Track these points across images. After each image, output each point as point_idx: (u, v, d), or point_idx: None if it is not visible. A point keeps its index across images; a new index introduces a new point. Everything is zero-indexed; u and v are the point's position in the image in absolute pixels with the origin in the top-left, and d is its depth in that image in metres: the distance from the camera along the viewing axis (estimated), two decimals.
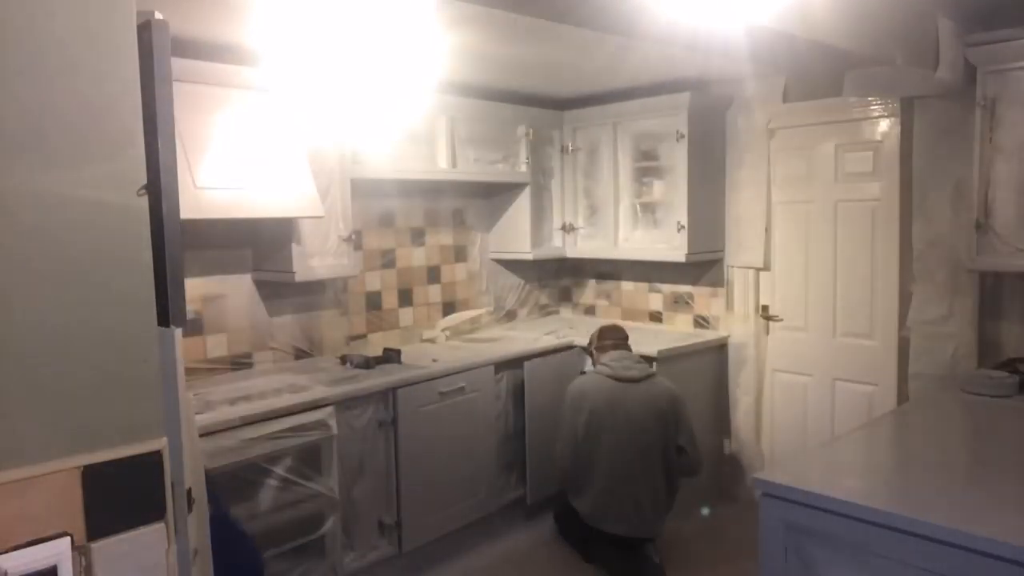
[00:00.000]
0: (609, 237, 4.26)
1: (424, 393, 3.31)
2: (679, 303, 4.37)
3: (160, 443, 1.06)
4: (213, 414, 2.67)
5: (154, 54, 1.11)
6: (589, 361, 3.71)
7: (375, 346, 3.81)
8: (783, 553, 1.85)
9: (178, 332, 1.24)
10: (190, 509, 1.26)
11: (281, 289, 3.44)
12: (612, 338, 3.55)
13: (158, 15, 1.13)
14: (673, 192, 3.95)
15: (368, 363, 3.37)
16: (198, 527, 1.48)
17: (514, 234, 4.36)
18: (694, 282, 4.27)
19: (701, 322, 4.26)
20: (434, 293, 4.21)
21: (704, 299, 4.25)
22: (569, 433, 3.35)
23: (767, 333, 4.01)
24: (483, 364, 3.62)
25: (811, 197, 3.78)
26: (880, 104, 3.48)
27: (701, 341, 4.02)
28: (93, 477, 0.99)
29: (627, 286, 4.62)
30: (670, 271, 4.31)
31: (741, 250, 4.03)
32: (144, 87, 1.05)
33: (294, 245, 3.15)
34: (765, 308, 4.00)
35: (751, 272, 4.01)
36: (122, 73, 1.02)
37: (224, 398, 2.88)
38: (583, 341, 4.03)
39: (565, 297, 4.95)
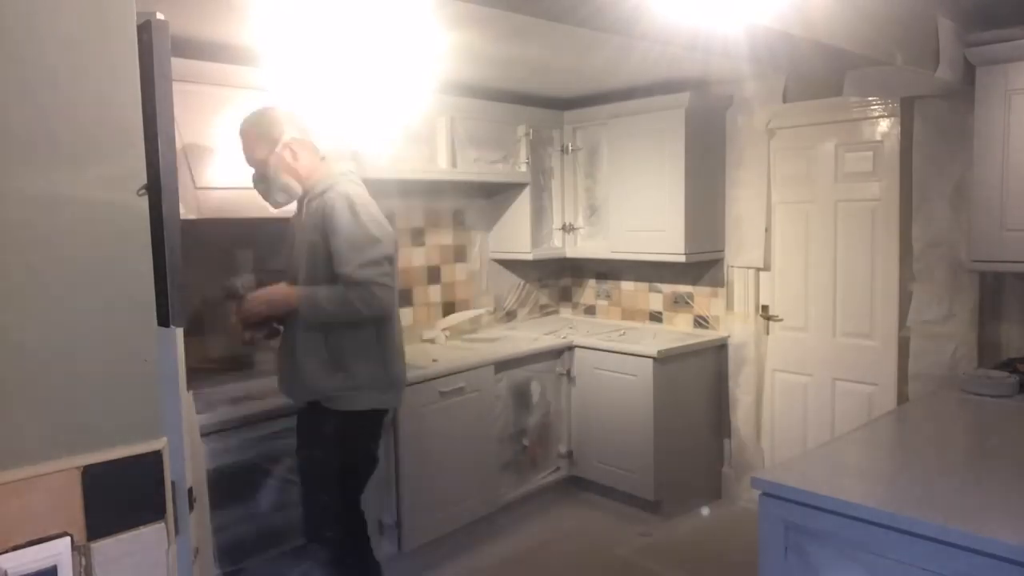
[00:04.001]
0: (610, 237, 4.26)
1: (424, 393, 3.31)
2: (679, 303, 4.36)
3: (160, 443, 1.06)
4: (213, 414, 2.67)
5: (154, 54, 1.11)
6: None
7: None
8: (783, 553, 1.85)
9: (178, 332, 1.24)
10: (191, 508, 1.26)
11: None
12: None
13: (159, 15, 1.13)
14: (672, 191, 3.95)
15: None
16: (199, 526, 1.48)
17: (514, 234, 4.36)
18: (694, 282, 4.27)
19: (701, 322, 4.26)
20: (434, 293, 4.21)
21: (704, 299, 4.24)
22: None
23: (767, 333, 4.01)
24: (483, 364, 3.62)
25: (811, 197, 3.78)
26: (880, 104, 3.48)
27: (701, 341, 4.02)
28: (93, 477, 0.99)
29: (627, 286, 4.62)
30: (670, 271, 4.31)
31: (741, 250, 4.03)
32: (144, 87, 1.05)
33: None
34: (765, 308, 4.00)
35: (751, 272, 4.01)
36: (122, 73, 1.02)
37: (224, 398, 2.88)
38: (583, 341, 4.04)
39: (565, 297, 4.95)
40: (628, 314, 4.61)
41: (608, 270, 4.67)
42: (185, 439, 1.23)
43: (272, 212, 2.96)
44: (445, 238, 4.26)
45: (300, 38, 2.74)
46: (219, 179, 2.78)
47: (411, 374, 3.29)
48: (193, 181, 2.67)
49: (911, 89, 3.29)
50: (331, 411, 2.48)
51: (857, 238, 3.64)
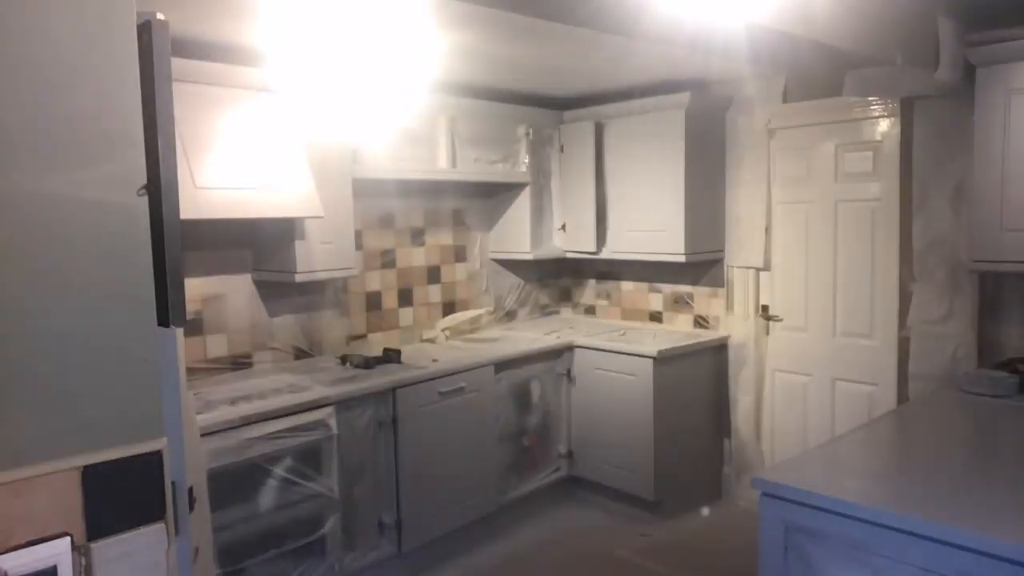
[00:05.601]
0: (609, 237, 4.26)
1: (424, 393, 3.31)
2: (679, 303, 4.36)
3: (160, 443, 1.06)
4: (213, 414, 2.67)
5: (154, 54, 1.11)
6: None
7: (375, 346, 3.81)
8: (783, 553, 1.85)
9: (178, 332, 1.24)
10: (191, 508, 1.26)
11: (281, 289, 3.44)
12: None
13: (159, 15, 1.13)
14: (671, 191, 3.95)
15: (368, 363, 3.37)
16: (199, 526, 1.48)
17: (514, 234, 4.36)
18: (694, 282, 4.27)
19: (701, 322, 4.26)
20: (434, 293, 4.21)
21: (704, 299, 4.24)
22: None
23: (767, 333, 4.01)
24: (483, 364, 3.62)
25: (811, 197, 3.78)
26: (880, 104, 3.48)
27: (701, 341, 4.02)
28: (93, 477, 0.99)
29: (627, 286, 4.62)
30: (670, 271, 4.31)
31: (741, 250, 4.03)
32: (144, 87, 1.05)
33: (296, 243, 3.15)
34: (765, 308, 4.00)
35: (751, 272, 4.01)
36: (122, 73, 1.02)
37: (224, 398, 2.87)
38: (583, 341, 4.04)
39: (565, 297, 4.95)
40: (628, 314, 4.61)
41: (608, 270, 4.67)
42: (185, 439, 1.23)
43: (271, 212, 2.96)
44: (445, 238, 4.26)
45: (300, 38, 2.74)
46: (219, 179, 2.78)
47: (411, 374, 3.31)
48: (193, 181, 2.67)
49: (911, 89, 3.29)
50: None
51: (857, 238, 3.64)
